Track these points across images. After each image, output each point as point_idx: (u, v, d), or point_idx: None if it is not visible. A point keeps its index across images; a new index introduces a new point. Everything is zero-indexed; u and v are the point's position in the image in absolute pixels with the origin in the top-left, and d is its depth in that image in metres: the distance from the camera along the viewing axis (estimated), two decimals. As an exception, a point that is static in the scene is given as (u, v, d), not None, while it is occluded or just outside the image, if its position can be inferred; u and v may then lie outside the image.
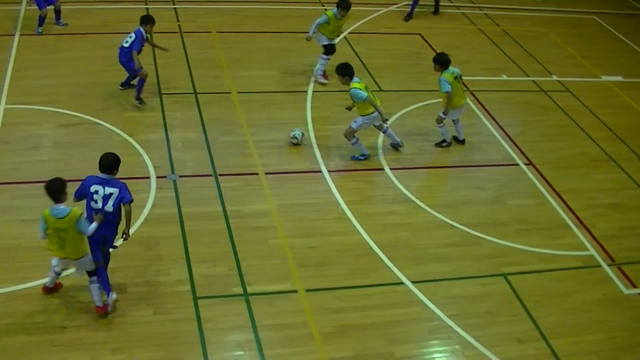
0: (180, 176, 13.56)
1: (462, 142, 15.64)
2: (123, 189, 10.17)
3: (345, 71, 14.29)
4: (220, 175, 13.67)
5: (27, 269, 11.22)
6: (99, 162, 10.21)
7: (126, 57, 15.19)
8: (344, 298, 11.36)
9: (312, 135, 15.23)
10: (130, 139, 14.49)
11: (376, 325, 10.96)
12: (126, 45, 15.12)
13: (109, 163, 10.20)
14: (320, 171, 14.20)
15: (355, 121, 14.27)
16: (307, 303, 11.14)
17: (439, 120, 15.10)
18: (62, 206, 9.72)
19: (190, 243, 11.97)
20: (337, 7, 16.40)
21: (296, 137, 14.69)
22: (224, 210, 12.76)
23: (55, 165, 13.30)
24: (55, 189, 9.73)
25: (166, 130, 14.91)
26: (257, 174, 13.83)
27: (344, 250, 12.31)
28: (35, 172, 13.10)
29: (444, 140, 15.45)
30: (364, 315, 11.10)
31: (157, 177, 13.45)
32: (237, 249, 11.99)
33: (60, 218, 9.68)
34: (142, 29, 15.17)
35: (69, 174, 12.49)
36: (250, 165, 14.06)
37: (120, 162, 10.27)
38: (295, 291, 11.36)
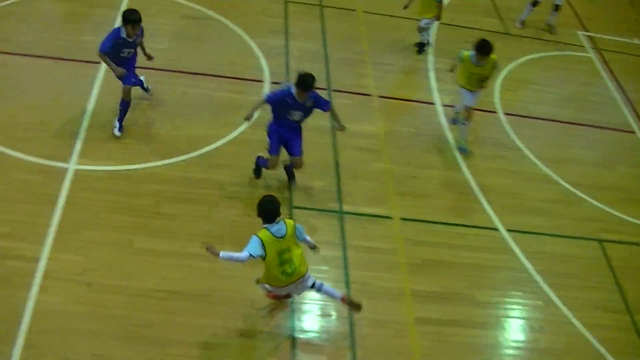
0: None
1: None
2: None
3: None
4: (333, 90, 13.67)
5: (130, 152, 11.58)
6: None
7: None
8: (437, 233, 11.37)
9: (430, 65, 15.04)
10: (250, 41, 14.56)
11: (463, 266, 10.96)
12: None
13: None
14: (434, 103, 14.07)
15: None
16: (399, 231, 11.18)
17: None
18: (279, 226, 8.65)
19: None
20: None
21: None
22: (332, 126, 12.79)
23: (172, 54, 13.45)
24: (275, 207, 8.69)
25: (287, 37, 14.92)
26: (370, 95, 13.78)
27: (444, 186, 12.25)
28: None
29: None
30: (453, 253, 11.10)
31: (272, 83, 13.51)
32: (339, 166, 12.05)
33: (281, 237, 8.63)
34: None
35: (183, 65, 12.77)
36: (365, 86, 14.01)
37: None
38: (390, 217, 11.41)
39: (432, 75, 14.81)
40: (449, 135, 13.33)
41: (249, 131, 12.32)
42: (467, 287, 10.69)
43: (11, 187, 10.62)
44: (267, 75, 13.69)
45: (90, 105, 12.29)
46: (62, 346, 8.81)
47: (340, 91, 13.71)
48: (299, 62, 14.22)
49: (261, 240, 8.43)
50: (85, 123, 11.91)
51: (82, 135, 11.71)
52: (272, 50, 14.48)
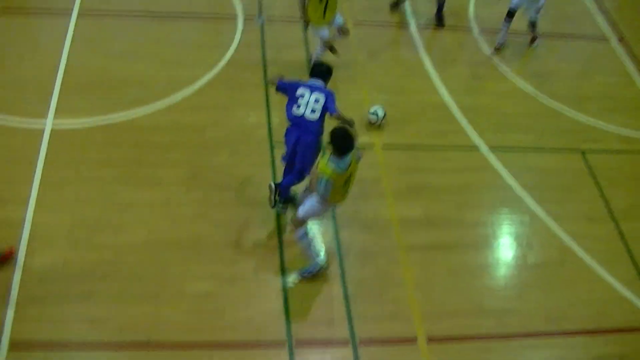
0: (269, 19, 13.46)
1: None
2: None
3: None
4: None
5: (109, 102, 11.51)
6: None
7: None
8: (420, 158, 11.43)
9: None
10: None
11: (449, 189, 11.05)
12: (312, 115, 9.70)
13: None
14: (408, 28, 13.98)
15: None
16: (382, 158, 11.21)
17: None
18: (346, 159, 8.56)
19: (271, 89, 11.94)
20: None
21: (376, 115, 11.76)
22: (308, 58, 12.71)
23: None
24: (351, 145, 8.50)
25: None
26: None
27: (424, 110, 12.26)
28: (124, 1, 13.19)
29: None
30: (438, 177, 11.17)
31: (245, 19, 13.37)
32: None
33: (346, 168, 8.62)
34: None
35: (155, 7, 12.63)
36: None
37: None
38: (372, 145, 11.43)
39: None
40: (426, 59, 13.30)
41: (225, 70, 12.28)
42: (454, 208, 10.79)
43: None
44: (239, 11, 13.56)
45: (63, 58, 12.16)
46: (54, 311, 8.86)
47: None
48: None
49: (332, 182, 8.52)
50: (59, 77, 11.80)
51: (57, 89, 11.62)
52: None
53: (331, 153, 8.47)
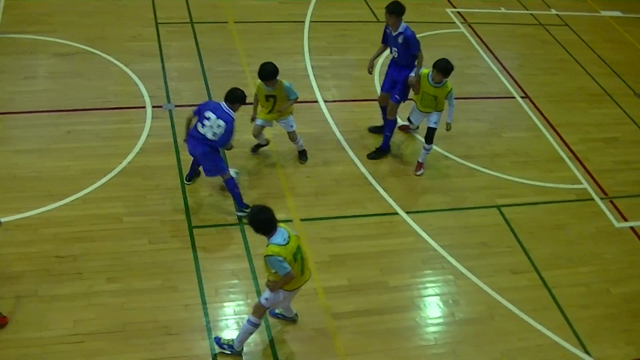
0: (177, 106, 13.52)
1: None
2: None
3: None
4: (213, 104, 13.62)
5: (22, 199, 11.26)
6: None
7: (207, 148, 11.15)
8: (339, 228, 11.47)
9: (308, 65, 15.17)
10: (126, 69, 14.42)
11: (371, 255, 11.08)
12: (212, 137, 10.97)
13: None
14: (317, 101, 14.19)
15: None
16: (301, 232, 11.21)
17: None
18: (280, 232, 8.58)
19: (185, 173, 11.96)
20: None
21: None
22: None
23: (50, 94, 13.27)
24: (270, 216, 8.52)
25: (162, 59, 14.82)
26: (251, 104, 13.77)
27: (339, 180, 12.37)
28: (30, 102, 13.10)
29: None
30: (359, 244, 11.21)
31: (153, 107, 13.42)
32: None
33: (287, 244, 8.58)
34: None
35: (64, 104, 12.60)
36: (247, 95, 13.94)
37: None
38: (290, 220, 11.43)
39: (311, 74, 14.92)
40: (337, 130, 13.45)
41: (137, 159, 12.22)
42: (378, 274, 10.82)
43: None
44: (147, 100, 13.56)
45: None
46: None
47: (223, 105, 13.66)
48: (177, 82, 14.15)
49: (282, 258, 8.43)
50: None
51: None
52: (150, 74, 14.33)
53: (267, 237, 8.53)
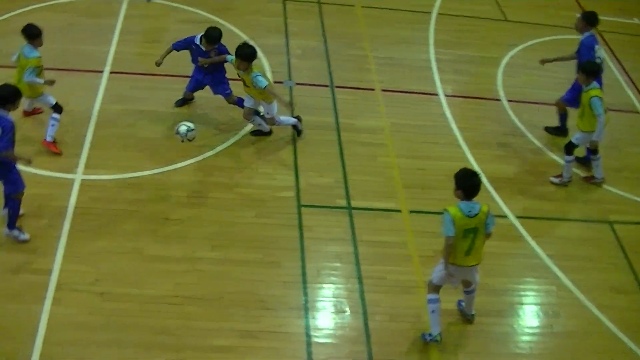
0: (297, 83, 13.63)
1: None
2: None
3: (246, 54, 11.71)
4: (336, 87, 13.71)
5: (138, 159, 11.63)
6: None
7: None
8: (446, 223, 11.35)
9: (432, 57, 15.05)
10: (250, 42, 14.54)
11: (474, 255, 10.96)
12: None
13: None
14: (437, 94, 14.08)
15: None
16: (409, 224, 11.19)
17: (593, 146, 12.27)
18: (472, 205, 8.77)
19: (299, 151, 12.12)
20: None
21: (179, 132, 11.29)
22: (337, 122, 12.83)
23: (171, 60, 13.51)
24: (476, 183, 8.75)
25: (287, 36, 14.94)
26: (373, 89, 13.81)
27: (451, 176, 12.18)
28: (153, 65, 13.38)
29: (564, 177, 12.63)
30: (464, 243, 11.10)
31: (275, 82, 13.54)
32: (346, 162, 12.09)
33: (473, 216, 8.79)
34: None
35: (183, 70, 12.81)
36: (367, 80, 14.03)
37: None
38: (399, 211, 11.41)
39: (434, 66, 14.82)
40: (454, 126, 13.33)
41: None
42: (480, 275, 10.67)
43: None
44: (269, 75, 13.69)
45: (94, 114, 12.35)
46: (78, 358, 8.85)
47: (343, 87, 13.74)
48: (299, 60, 14.26)
49: (452, 217, 8.61)
50: (90, 133, 11.98)
51: (87, 145, 11.79)
52: (273, 49, 14.51)
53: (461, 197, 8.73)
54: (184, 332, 9.27)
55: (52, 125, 11.43)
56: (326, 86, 13.67)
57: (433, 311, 9.35)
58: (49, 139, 11.46)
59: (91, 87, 12.96)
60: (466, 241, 8.85)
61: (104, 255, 10.11)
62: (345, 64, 14.35)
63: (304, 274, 10.21)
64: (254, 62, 11.74)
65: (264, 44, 14.56)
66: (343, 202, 11.39)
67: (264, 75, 11.69)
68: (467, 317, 9.97)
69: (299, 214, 11.07)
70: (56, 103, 11.49)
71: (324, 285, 10.17)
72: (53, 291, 9.53)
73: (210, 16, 15.12)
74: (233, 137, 12.29)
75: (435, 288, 9.31)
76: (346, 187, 11.63)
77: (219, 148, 12.03)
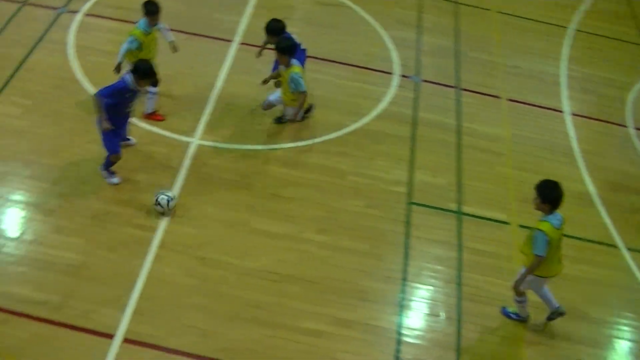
0: (423, 80, 13.55)
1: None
2: None
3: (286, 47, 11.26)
4: (462, 89, 13.55)
5: (255, 132, 11.85)
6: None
7: None
8: (555, 243, 11.13)
9: (562, 72, 14.74)
10: (382, 31, 14.59)
11: (579, 280, 10.69)
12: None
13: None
14: (562, 111, 13.77)
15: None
16: (517, 239, 11.02)
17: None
18: (557, 214, 8.80)
19: (417, 148, 12.06)
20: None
21: (159, 203, 10.22)
22: (458, 125, 12.70)
23: (302, 39, 13.56)
24: (562, 194, 8.77)
25: (419, 31, 14.86)
26: (498, 97, 13.59)
27: (566, 196, 11.96)
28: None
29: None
30: (570, 266, 10.72)
31: (401, 76, 13.50)
32: (462, 166, 11.97)
33: (561, 227, 8.86)
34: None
35: (312, 51, 12.88)
36: (494, 87, 13.82)
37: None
38: (508, 223, 11.24)
39: (563, 81, 14.50)
40: (575, 146, 13.04)
41: (374, 122, 12.40)
42: (580, 301, 10.44)
43: (136, 157, 10.95)
44: (397, 68, 13.68)
45: (219, 82, 12.55)
46: (169, 316, 9.07)
47: (468, 90, 13.57)
48: (428, 57, 14.17)
49: (549, 238, 8.60)
50: (212, 99, 12.19)
51: (208, 110, 12.01)
52: (403, 43, 14.44)
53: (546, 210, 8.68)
54: (278, 309, 9.38)
55: (150, 99, 11.59)
56: (452, 87, 13.54)
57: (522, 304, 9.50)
58: (149, 110, 11.67)
59: (218, 55, 13.17)
60: (558, 251, 8.88)
61: (210, 221, 10.29)
62: (474, 67, 14.17)
63: (404, 271, 10.18)
64: (295, 63, 11.31)
65: (395, 35, 14.53)
66: (454, 206, 11.27)
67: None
68: (559, 312, 9.70)
69: (409, 210, 11.02)
70: None
71: (423, 286, 10.11)
72: (156, 248, 9.80)
73: (347, 1, 15.17)
74: (353, 124, 12.30)
75: (520, 292, 9.34)
76: (459, 191, 11.51)
77: (339, 133, 12.08)
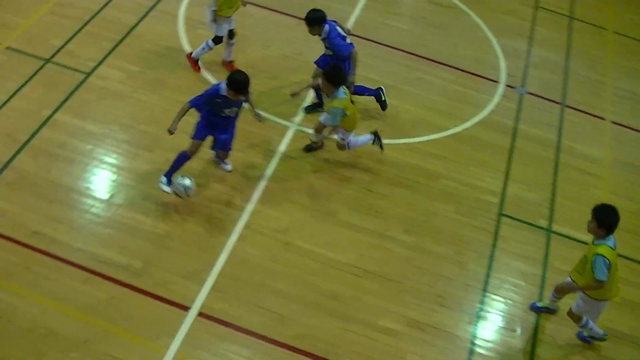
0: (528, 92, 13.36)
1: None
2: None
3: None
4: (567, 106, 13.30)
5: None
6: None
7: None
8: (630, 270, 10.78)
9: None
10: (492, 38, 14.44)
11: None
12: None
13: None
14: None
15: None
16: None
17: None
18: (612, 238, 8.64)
19: (514, 160, 11.90)
20: None
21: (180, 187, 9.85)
22: (558, 142, 12.48)
23: (411, 36, 13.54)
24: (618, 220, 8.58)
25: (530, 42, 14.66)
26: (603, 118, 13.30)
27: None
28: (392, 36, 13.47)
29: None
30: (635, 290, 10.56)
31: (507, 85, 13.35)
32: (557, 183, 11.75)
33: (616, 248, 8.70)
34: None
35: (420, 50, 12.85)
36: (599, 108, 13.50)
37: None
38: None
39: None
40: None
41: (474, 129, 12.30)
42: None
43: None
44: (503, 77, 13.53)
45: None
46: (247, 296, 9.18)
47: (572, 108, 13.31)
48: (536, 69, 13.96)
49: (608, 261, 8.46)
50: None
51: (309, 97, 12.12)
52: (513, 53, 14.26)
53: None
54: (356, 304, 9.41)
55: (203, 48, 11.79)
56: (557, 102, 13.30)
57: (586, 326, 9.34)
58: (194, 55, 11.90)
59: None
60: (617, 272, 8.75)
61: (298, 208, 10.37)
62: (582, 85, 13.89)
63: (486, 282, 10.08)
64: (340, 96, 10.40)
65: (506, 44, 14.37)
66: (544, 223, 11.09)
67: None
68: (601, 338, 9.56)
69: (498, 221, 10.90)
70: (216, 36, 11.72)
71: (502, 299, 9.98)
72: (241, 228, 9.93)
73: (460, 4, 15.06)
74: (453, 127, 12.24)
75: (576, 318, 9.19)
76: (551, 208, 11.33)
77: (438, 135, 12.03)
